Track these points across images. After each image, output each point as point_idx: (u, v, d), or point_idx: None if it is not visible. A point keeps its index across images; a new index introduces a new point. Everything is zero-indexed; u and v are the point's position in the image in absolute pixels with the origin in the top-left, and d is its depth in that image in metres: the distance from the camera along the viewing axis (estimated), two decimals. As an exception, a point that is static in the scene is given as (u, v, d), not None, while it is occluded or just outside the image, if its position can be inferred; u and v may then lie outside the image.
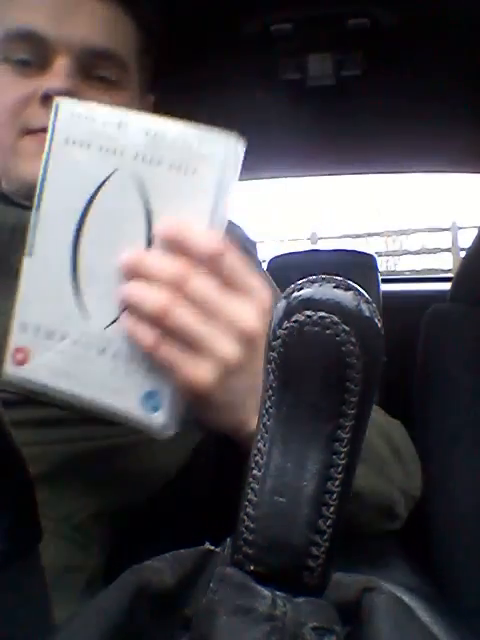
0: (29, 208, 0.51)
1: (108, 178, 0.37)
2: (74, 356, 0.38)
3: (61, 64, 0.50)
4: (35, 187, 0.52)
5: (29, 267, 0.39)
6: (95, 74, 0.53)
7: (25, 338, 0.38)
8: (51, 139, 0.38)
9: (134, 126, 0.37)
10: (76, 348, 0.38)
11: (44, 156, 0.37)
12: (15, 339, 0.38)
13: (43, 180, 0.38)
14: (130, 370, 0.37)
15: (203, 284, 0.35)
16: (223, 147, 0.36)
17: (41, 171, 0.38)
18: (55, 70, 0.50)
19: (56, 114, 0.38)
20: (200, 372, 0.35)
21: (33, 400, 0.44)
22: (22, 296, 0.39)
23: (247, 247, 0.64)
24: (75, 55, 0.51)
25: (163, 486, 0.48)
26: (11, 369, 0.39)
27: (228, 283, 0.36)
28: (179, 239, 0.35)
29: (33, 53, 0.51)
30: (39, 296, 0.38)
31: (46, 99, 0.49)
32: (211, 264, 0.35)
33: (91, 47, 0.51)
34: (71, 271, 0.38)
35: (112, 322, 0.37)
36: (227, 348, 0.36)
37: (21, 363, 0.38)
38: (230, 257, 0.36)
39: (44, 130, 0.50)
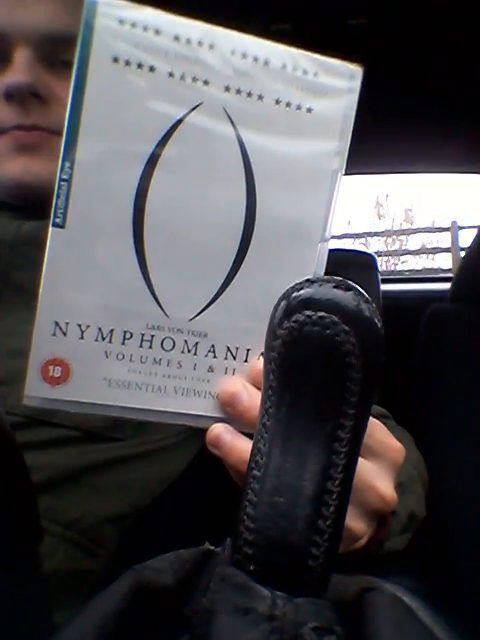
0: (27, 213, 0.49)
1: (185, 117, 0.27)
2: (143, 359, 0.29)
3: (21, 56, 0.47)
4: (18, 185, 0.48)
5: (61, 242, 0.27)
6: (60, 60, 0.49)
7: (62, 345, 0.27)
8: (83, 58, 0.26)
9: (223, 46, 0.27)
10: (147, 349, 0.29)
11: (72, 82, 0.26)
12: (45, 348, 0.27)
13: (74, 119, 0.26)
14: (217, 365, 0.30)
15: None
16: (348, 80, 0.28)
17: (69, 105, 0.26)
18: (15, 63, 0.48)
19: (92, 20, 0.26)
20: None
21: (39, 421, 0.43)
22: (52, 284, 0.27)
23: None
24: (34, 44, 0.48)
25: (166, 489, 0.48)
26: (41, 390, 0.28)
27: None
28: None
29: None
30: (82, 282, 0.27)
31: (9, 96, 0.47)
32: None
33: (50, 33, 0.48)
34: (134, 243, 0.27)
35: (203, 309, 0.29)
36: (356, 525, 0.31)
37: (57, 382, 0.28)
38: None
39: (15, 128, 0.48)
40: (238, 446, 0.30)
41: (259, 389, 0.31)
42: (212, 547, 0.20)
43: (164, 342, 0.29)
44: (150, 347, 0.29)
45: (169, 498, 0.48)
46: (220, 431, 0.30)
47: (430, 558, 0.69)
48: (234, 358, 0.30)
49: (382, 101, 1.00)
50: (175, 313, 0.29)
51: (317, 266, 0.30)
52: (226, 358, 0.30)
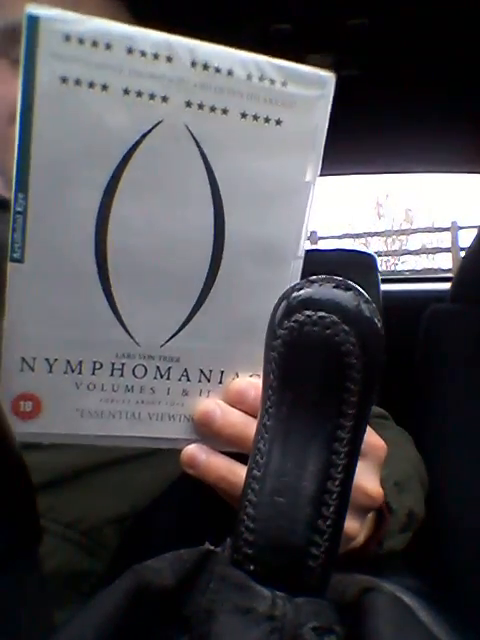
0: None
1: (144, 137, 0.25)
2: (115, 388, 0.28)
3: None
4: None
5: (21, 278, 0.25)
6: None
7: (30, 380, 0.27)
8: (28, 80, 0.23)
9: (182, 57, 0.24)
10: (119, 378, 0.28)
11: (19, 107, 0.23)
12: (13, 384, 0.27)
13: (24, 147, 0.24)
14: (191, 388, 0.29)
15: None
16: (319, 88, 0.26)
17: (17, 132, 0.24)
18: None
19: (34, 38, 0.23)
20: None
21: None
22: (15, 320, 0.26)
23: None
24: None
25: (166, 489, 0.48)
26: (13, 426, 0.26)
27: None
28: None
29: None
30: (46, 316, 0.26)
31: None
32: None
33: None
34: (97, 273, 0.26)
35: (174, 334, 0.28)
36: (348, 524, 0.31)
37: (29, 416, 0.27)
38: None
39: None
40: (214, 463, 0.29)
41: (235, 408, 0.30)
42: (212, 547, 0.20)
43: (135, 369, 0.28)
44: (121, 375, 0.28)
45: (169, 498, 0.48)
46: (194, 451, 0.30)
47: (430, 558, 0.69)
48: (208, 380, 0.30)
49: (382, 101, 1.00)
50: (145, 340, 0.28)
51: (290, 284, 0.30)
52: (200, 381, 0.30)
